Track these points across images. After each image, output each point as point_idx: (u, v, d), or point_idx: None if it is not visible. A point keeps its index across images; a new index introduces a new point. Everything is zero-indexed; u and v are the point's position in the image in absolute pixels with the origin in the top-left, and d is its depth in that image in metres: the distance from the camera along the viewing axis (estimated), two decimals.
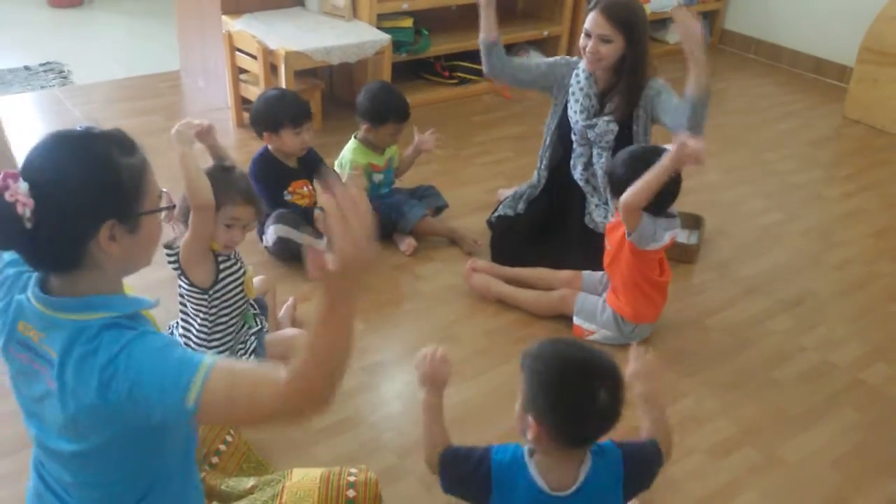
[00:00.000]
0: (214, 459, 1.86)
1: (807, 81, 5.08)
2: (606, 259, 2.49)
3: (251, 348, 2.18)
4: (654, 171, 2.20)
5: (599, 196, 2.85)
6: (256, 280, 2.34)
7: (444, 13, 4.52)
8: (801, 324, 2.73)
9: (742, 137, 4.22)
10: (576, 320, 2.56)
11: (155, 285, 2.07)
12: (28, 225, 1.10)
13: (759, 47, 5.43)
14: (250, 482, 1.76)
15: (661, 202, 2.29)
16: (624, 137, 2.75)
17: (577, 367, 1.46)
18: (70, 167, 1.14)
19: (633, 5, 2.68)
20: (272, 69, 3.61)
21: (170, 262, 2.10)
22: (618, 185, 2.33)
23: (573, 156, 2.89)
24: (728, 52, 5.55)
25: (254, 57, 3.62)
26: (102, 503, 1.29)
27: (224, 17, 3.82)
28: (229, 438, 1.91)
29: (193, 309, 2.10)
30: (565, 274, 2.70)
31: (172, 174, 1.96)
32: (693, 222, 3.14)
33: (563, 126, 2.90)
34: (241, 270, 2.12)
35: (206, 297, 2.07)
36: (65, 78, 4.41)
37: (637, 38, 2.62)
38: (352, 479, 1.70)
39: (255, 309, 2.26)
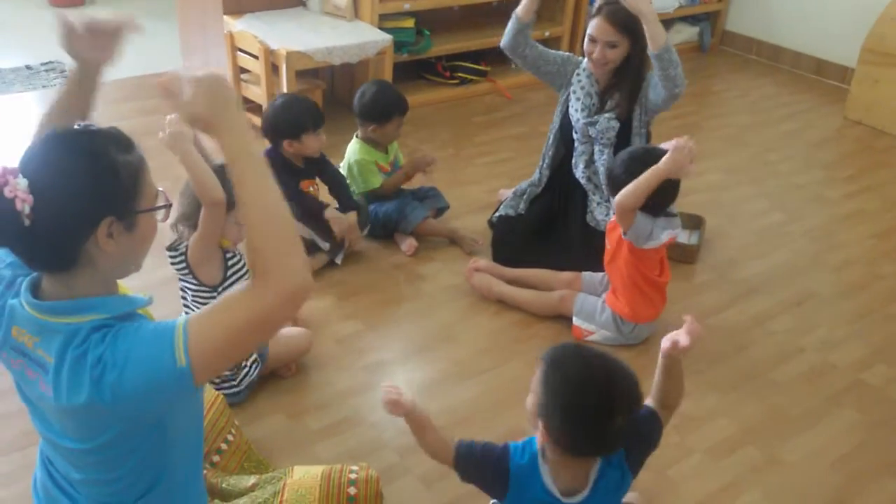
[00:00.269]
0: (216, 458, 1.86)
1: (808, 82, 5.08)
2: (606, 258, 2.50)
3: None
4: (648, 173, 2.22)
5: (601, 194, 2.86)
6: None
7: (446, 13, 4.53)
8: (801, 324, 2.73)
9: (743, 138, 4.22)
10: (575, 321, 2.56)
11: (155, 285, 2.07)
12: (26, 222, 1.10)
13: (760, 48, 5.43)
14: (251, 480, 1.76)
15: (658, 202, 2.30)
16: (625, 133, 2.77)
17: (596, 391, 1.40)
18: (68, 164, 1.14)
19: None
20: (273, 69, 3.61)
21: (173, 264, 2.10)
22: (616, 185, 2.34)
23: (575, 154, 2.90)
24: (729, 53, 5.55)
25: (255, 57, 3.63)
26: (109, 498, 1.30)
27: (225, 17, 3.83)
28: (230, 437, 1.92)
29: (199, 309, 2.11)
30: (566, 275, 2.71)
31: (172, 174, 1.96)
32: (694, 223, 3.14)
33: (565, 125, 2.93)
34: (246, 267, 2.13)
35: (214, 295, 2.08)
36: (66, 77, 4.41)
37: (640, 39, 2.63)
38: (353, 476, 1.70)
39: None
